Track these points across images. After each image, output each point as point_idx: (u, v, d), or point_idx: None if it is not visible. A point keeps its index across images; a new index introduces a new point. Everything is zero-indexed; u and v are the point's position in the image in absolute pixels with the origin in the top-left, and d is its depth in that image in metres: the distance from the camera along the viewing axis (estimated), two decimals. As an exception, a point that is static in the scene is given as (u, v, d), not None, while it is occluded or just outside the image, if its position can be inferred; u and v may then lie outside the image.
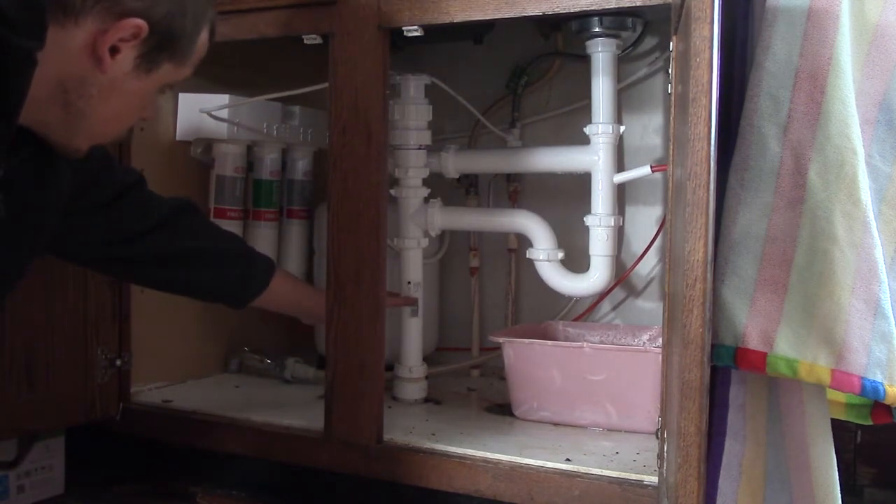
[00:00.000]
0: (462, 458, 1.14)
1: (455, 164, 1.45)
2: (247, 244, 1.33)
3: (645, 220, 1.53)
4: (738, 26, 0.94)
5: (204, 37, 0.95)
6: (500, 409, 1.38)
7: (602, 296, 1.54)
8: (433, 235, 1.46)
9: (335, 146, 1.19)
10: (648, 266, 1.54)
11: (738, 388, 0.94)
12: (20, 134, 0.86)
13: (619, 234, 1.46)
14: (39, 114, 0.86)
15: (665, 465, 0.92)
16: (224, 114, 1.45)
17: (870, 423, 0.98)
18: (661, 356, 1.11)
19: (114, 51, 0.86)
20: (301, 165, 1.61)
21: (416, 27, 1.15)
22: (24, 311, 1.23)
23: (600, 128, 1.33)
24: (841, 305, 0.86)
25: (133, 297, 1.39)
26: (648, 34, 1.50)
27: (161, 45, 0.89)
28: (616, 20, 1.32)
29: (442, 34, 1.40)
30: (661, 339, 1.23)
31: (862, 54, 0.92)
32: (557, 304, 1.58)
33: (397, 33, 1.18)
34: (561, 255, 1.38)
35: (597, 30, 1.32)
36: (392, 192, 1.40)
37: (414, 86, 1.41)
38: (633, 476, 1.06)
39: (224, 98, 1.45)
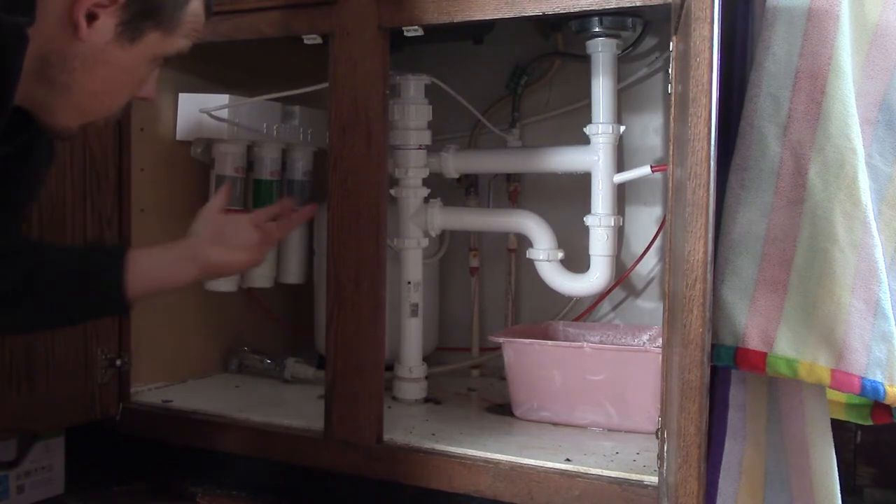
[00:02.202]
0: (462, 458, 1.14)
1: (455, 164, 1.45)
2: (82, 247, 1.15)
3: (645, 220, 1.53)
4: (738, 26, 0.95)
5: (195, 6, 0.91)
6: (500, 409, 1.39)
7: (602, 296, 1.53)
8: (433, 235, 1.46)
9: (335, 146, 1.19)
10: (648, 266, 1.54)
11: (738, 388, 0.94)
12: (16, 116, 0.84)
13: (619, 234, 1.46)
14: (24, 91, 0.83)
15: (665, 465, 0.92)
16: (224, 114, 1.45)
17: (870, 423, 0.98)
18: (661, 356, 1.11)
19: (91, 17, 0.83)
20: (301, 165, 1.61)
21: (416, 27, 1.15)
22: (24, 311, 1.23)
23: (600, 128, 1.33)
24: (841, 305, 0.86)
25: (133, 297, 1.39)
26: (648, 34, 1.50)
27: (144, 11, 0.86)
28: (616, 20, 1.32)
29: (442, 34, 1.40)
30: (661, 339, 1.23)
31: (862, 54, 0.92)
32: (557, 304, 1.58)
33: (397, 33, 1.18)
34: (561, 255, 1.38)
35: (597, 30, 1.32)
36: (392, 192, 1.40)
37: (414, 86, 1.41)
38: (633, 476, 1.06)
39: (224, 98, 1.44)
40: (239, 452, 1.30)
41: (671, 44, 0.96)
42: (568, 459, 1.12)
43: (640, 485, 1.04)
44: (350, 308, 1.19)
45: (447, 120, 1.60)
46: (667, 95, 1.39)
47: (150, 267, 1.03)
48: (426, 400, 1.43)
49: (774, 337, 0.88)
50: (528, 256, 1.41)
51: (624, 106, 1.51)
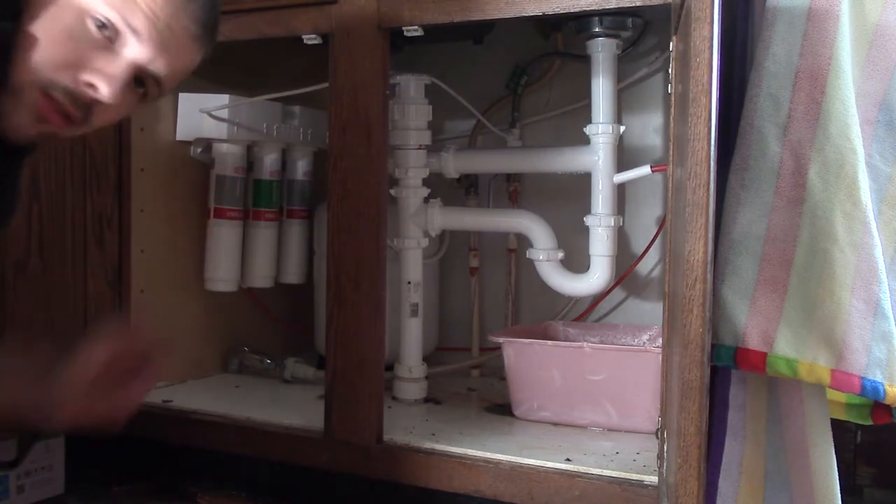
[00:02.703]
0: (462, 458, 1.14)
1: (455, 164, 1.45)
2: None
3: (645, 220, 1.53)
4: (738, 26, 0.95)
5: None
6: (500, 409, 1.38)
7: (602, 296, 1.54)
8: (433, 235, 1.46)
9: (335, 146, 1.19)
10: (648, 266, 1.54)
11: (738, 388, 0.94)
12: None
13: (619, 234, 1.46)
14: None
15: (665, 465, 0.92)
16: (224, 114, 1.45)
17: (870, 423, 0.98)
18: (661, 356, 1.11)
19: None
20: (301, 165, 1.61)
21: (416, 27, 1.15)
22: (23, 311, 1.23)
23: (600, 128, 1.33)
24: (841, 305, 0.86)
25: (133, 297, 1.39)
26: (648, 34, 1.50)
27: None
28: (616, 20, 1.32)
29: (442, 34, 1.40)
30: (661, 339, 1.23)
31: (862, 54, 0.92)
32: (557, 304, 1.58)
33: (397, 33, 1.18)
34: (561, 255, 1.38)
35: (597, 30, 1.32)
36: (392, 192, 1.40)
37: (414, 86, 1.41)
38: (633, 476, 1.06)
39: (224, 98, 1.45)
40: (239, 452, 1.30)
41: (671, 44, 0.96)
42: (568, 459, 1.12)
43: (640, 485, 1.04)
44: (350, 308, 1.19)
45: (447, 120, 1.60)
46: (667, 95, 1.39)
47: None
48: (426, 400, 1.43)
49: (774, 337, 0.88)
50: (528, 256, 1.41)
51: (624, 106, 1.51)
